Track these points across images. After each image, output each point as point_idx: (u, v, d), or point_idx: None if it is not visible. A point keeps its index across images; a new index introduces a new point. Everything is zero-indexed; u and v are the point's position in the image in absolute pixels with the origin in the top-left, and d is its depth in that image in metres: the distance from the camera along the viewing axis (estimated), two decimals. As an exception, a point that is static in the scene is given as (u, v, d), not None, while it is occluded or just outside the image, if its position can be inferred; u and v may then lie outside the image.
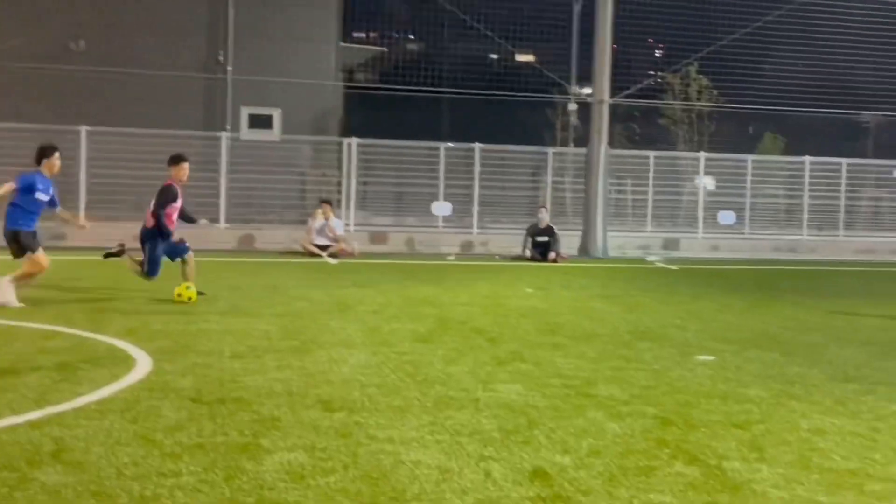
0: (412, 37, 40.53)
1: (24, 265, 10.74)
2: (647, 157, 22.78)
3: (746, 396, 7.05)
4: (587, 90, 22.31)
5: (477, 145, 21.38)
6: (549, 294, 13.32)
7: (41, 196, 10.74)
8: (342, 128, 25.82)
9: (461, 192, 21.42)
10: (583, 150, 21.49)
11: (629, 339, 9.54)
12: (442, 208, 21.10)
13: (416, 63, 36.41)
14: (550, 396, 6.82)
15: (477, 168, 21.25)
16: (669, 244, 21.82)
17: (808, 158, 23.54)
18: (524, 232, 19.06)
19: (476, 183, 21.29)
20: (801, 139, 30.33)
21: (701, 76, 31.38)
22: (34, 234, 10.81)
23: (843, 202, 23.69)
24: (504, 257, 19.09)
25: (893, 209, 24.64)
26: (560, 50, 29.87)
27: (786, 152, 30.57)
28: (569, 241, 19.96)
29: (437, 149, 21.46)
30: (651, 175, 22.42)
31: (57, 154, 10.99)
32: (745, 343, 9.52)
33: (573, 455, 5.40)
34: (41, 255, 10.76)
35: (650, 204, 22.34)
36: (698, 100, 30.57)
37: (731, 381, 7.62)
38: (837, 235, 23.54)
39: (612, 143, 23.46)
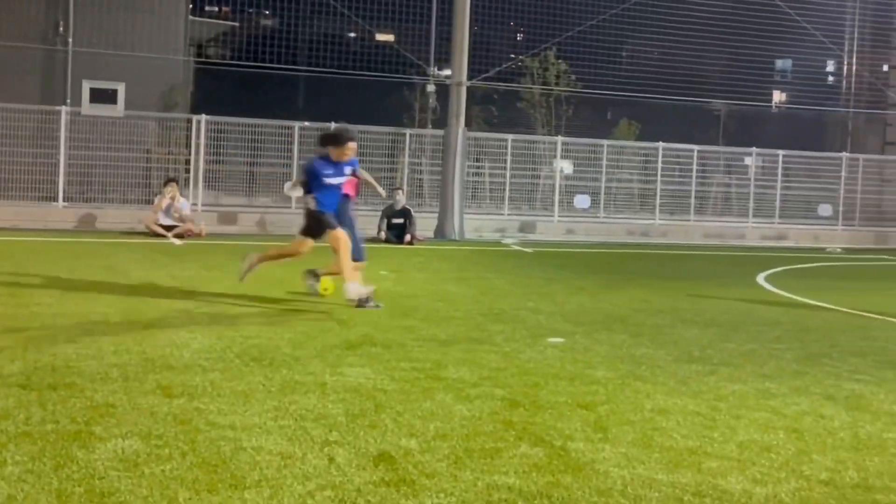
0: (268, 12, 39.80)
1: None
2: (506, 140, 23.07)
3: (594, 378, 7.24)
4: (447, 72, 22.39)
5: (332, 126, 21.16)
6: (403, 277, 13.34)
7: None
8: (191, 104, 25.12)
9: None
10: (441, 132, 21.60)
11: (482, 322, 9.65)
12: (294, 189, 20.74)
13: (272, 40, 35.71)
14: (399, 380, 6.83)
15: (331, 148, 21.02)
16: (526, 227, 22.20)
17: (661, 144, 24.32)
18: (380, 213, 19.02)
19: (330, 163, 21.07)
20: (655, 125, 31.32)
21: (560, 61, 31.96)
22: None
23: (693, 188, 24.61)
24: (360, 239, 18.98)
25: (741, 195, 25.75)
26: (420, 31, 29.93)
27: (640, 138, 31.54)
28: (425, 224, 20.06)
29: (292, 127, 21.15)
30: (509, 158, 22.72)
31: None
32: (596, 325, 9.78)
33: (419, 438, 5.43)
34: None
35: (507, 187, 22.65)
36: (556, 84, 31.14)
37: (580, 363, 7.82)
38: (688, 220, 24.46)
39: (470, 126, 23.68)
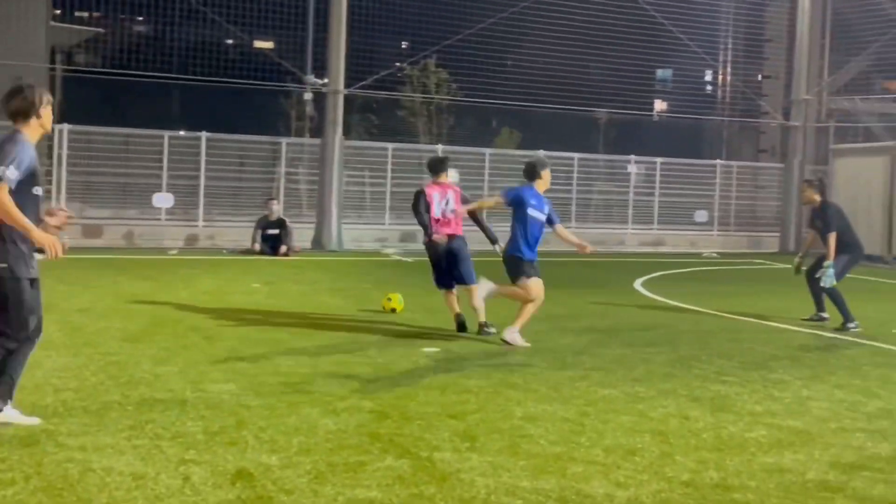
0: (140, 18, 38.92)
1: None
2: (386, 149, 23.03)
3: (466, 387, 7.26)
4: (325, 80, 22.22)
5: (204, 134, 20.80)
6: (276, 289, 13.16)
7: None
8: (57, 114, 24.30)
9: (187, 182, 20.75)
10: (318, 141, 21.44)
11: (356, 334, 9.60)
12: (164, 200, 20.34)
13: (144, 46, 35.00)
14: (265, 395, 6.72)
15: (203, 158, 20.67)
16: (407, 237, 22.17)
17: (541, 152, 24.66)
18: (254, 224, 18.74)
19: (202, 173, 20.70)
20: (537, 134, 31.80)
21: (440, 69, 32.17)
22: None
23: (574, 195, 25.01)
24: (232, 251, 18.69)
25: (621, 202, 26.30)
26: (300, 38, 29.71)
27: (522, 146, 31.93)
28: (303, 234, 19.87)
29: (161, 137, 20.67)
30: (389, 167, 22.68)
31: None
32: (472, 334, 9.82)
33: (281, 454, 5.34)
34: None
35: (388, 196, 22.60)
36: (437, 93, 31.32)
37: (454, 372, 7.84)
38: (569, 227, 24.76)
39: (349, 135, 23.60)
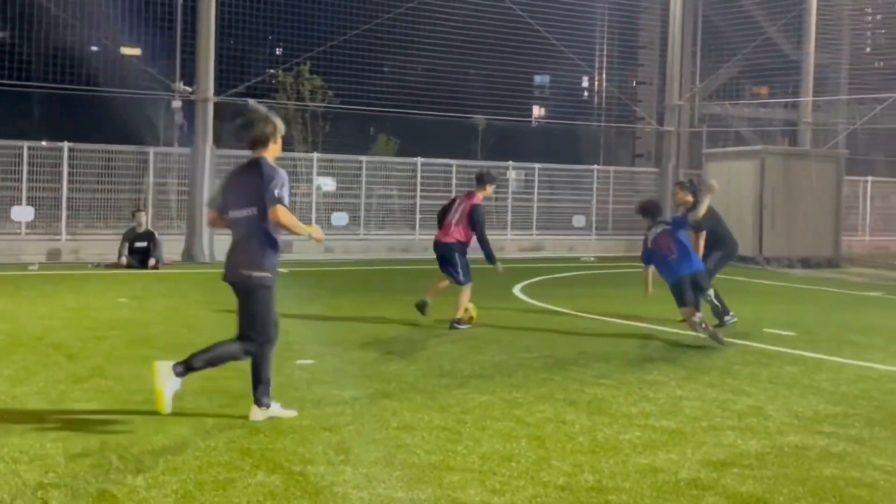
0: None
1: None
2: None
3: (341, 399, 7.23)
4: (195, 88, 21.76)
5: (66, 144, 20.17)
6: (144, 303, 12.85)
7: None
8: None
9: (49, 195, 20.06)
10: (188, 151, 21.03)
11: (227, 348, 9.41)
12: (23, 213, 19.63)
13: (1, 54, 33.64)
14: (130, 413, 6.56)
15: (65, 169, 20.04)
16: (283, 247, 21.95)
17: (419, 160, 24.77)
18: (120, 237, 18.25)
19: (64, 185, 20.06)
20: (415, 141, 31.91)
21: (314, 76, 31.96)
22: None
23: (449, 202, 25.15)
24: (98, 265, 18.15)
25: (500, 208, 26.56)
26: (166, 45, 29.08)
27: (400, 153, 31.99)
28: (173, 247, 19.44)
29: (20, 148, 19.94)
30: (263, 176, 22.38)
31: None
32: (349, 345, 9.78)
33: (147, 475, 5.22)
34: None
35: (262, 206, 22.30)
36: (312, 100, 31.11)
37: (328, 384, 7.79)
38: (447, 235, 24.97)
39: (221, 143, 23.18)
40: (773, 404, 7.39)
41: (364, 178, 24.13)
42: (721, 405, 7.33)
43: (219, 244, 20.37)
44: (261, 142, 6.46)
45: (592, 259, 24.05)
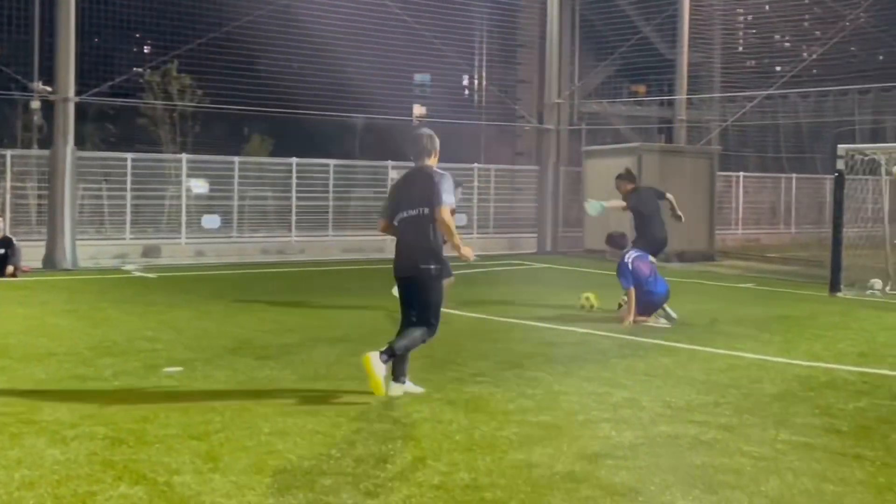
0: None
1: None
2: (125, 160, 22.17)
3: (210, 406, 7.10)
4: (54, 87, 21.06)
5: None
6: (0, 312, 12.38)
7: None
8: None
9: None
10: (48, 153, 20.36)
11: (90, 356, 9.17)
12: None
13: None
14: (-17, 428, 6.30)
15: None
16: (150, 251, 21.46)
17: (294, 160, 24.55)
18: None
19: None
20: (292, 140, 31.57)
21: (182, 75, 31.34)
22: None
23: (331, 203, 25.04)
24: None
25: (380, 208, 26.51)
26: (23, 42, 28.08)
27: (275, 153, 31.63)
28: (32, 253, 18.74)
29: None
30: (129, 178, 21.85)
31: None
32: (220, 350, 9.63)
33: (1, 490, 5.03)
34: None
35: (128, 209, 21.77)
36: (181, 99, 30.48)
37: (197, 391, 7.65)
38: (326, 235, 24.85)
39: (83, 145, 22.58)
40: (648, 395, 7.58)
41: (237, 180, 23.78)
42: (597, 398, 7.48)
43: (83, 250, 19.82)
44: (426, 153, 7.67)
45: (474, 257, 24.26)
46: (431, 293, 7.51)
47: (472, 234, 26.99)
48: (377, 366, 7.28)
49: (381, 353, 7.33)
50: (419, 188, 7.46)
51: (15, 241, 17.62)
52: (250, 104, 27.02)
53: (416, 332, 7.51)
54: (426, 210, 7.40)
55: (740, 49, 35.59)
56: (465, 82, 44.32)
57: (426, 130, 7.81)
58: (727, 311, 13.33)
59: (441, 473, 5.47)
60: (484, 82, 41.16)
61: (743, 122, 29.41)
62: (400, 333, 7.56)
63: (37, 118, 26.99)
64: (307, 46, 30.15)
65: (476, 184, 27.43)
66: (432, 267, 7.46)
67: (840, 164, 15.93)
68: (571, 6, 30.55)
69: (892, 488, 5.33)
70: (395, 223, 7.61)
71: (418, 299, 7.53)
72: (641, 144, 25.57)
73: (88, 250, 20.20)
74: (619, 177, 13.70)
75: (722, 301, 14.67)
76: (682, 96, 28.07)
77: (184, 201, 22.62)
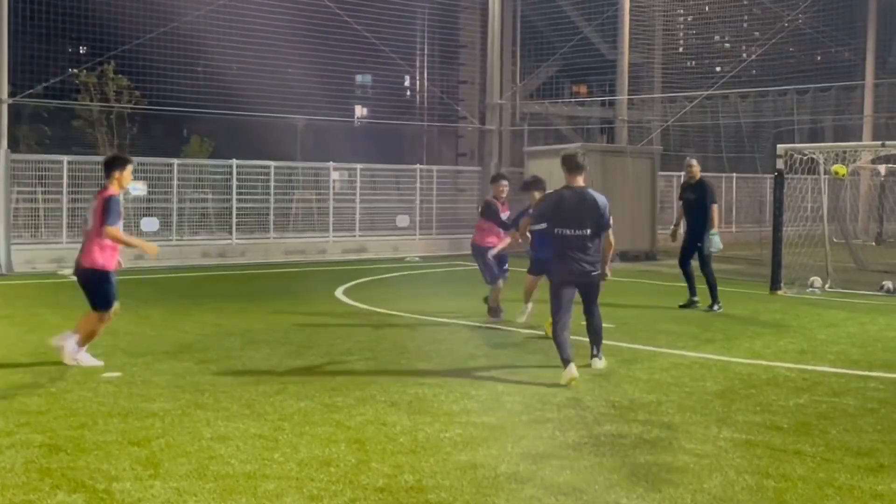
0: None
1: None
2: (61, 162, 21.81)
3: (150, 411, 7.03)
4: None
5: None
6: (-67, 320, 12.13)
7: None
8: None
9: None
10: (-19, 154, 19.96)
11: (26, 362, 9.03)
12: None
13: None
14: (-86, 438, 6.17)
15: None
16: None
17: (234, 161, 24.35)
18: None
19: None
20: (232, 141, 31.28)
21: (120, 76, 30.91)
22: None
23: (272, 205, 24.88)
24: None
25: (322, 210, 26.44)
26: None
27: (215, 155, 31.33)
28: (-35, 259, 18.43)
29: None
30: (65, 181, 21.50)
31: None
32: (159, 355, 9.51)
33: (-68, 501, 4.93)
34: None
35: (65, 213, 21.43)
36: (118, 101, 30.06)
37: (136, 397, 7.55)
38: (268, 238, 24.68)
39: (17, 147, 22.19)
40: (592, 395, 7.64)
41: (176, 182, 23.50)
42: (541, 398, 7.52)
43: (18, 254, 19.50)
44: (580, 170, 8.89)
45: (417, 259, 24.24)
46: (598, 290, 8.91)
47: (414, 235, 26.98)
48: (599, 364, 8.84)
49: (594, 353, 8.93)
50: (588, 213, 8.64)
51: (-53, 246, 17.29)
52: (189, 105, 26.77)
53: (599, 320, 8.98)
54: (591, 230, 8.60)
55: (680, 50, 36.05)
56: (407, 83, 44.32)
57: (579, 149, 8.68)
58: (669, 311, 13.48)
59: (385, 476, 5.47)
60: (426, 83, 41.19)
61: (684, 122, 29.77)
62: (591, 329, 8.96)
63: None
64: (248, 47, 29.96)
65: (418, 184, 27.40)
66: (602, 271, 8.83)
67: (780, 164, 16.18)
68: (513, 7, 30.71)
69: (831, 483, 5.43)
70: (555, 233, 8.64)
71: (588, 296, 8.83)
72: (583, 145, 25.74)
73: (24, 255, 19.85)
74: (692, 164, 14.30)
75: (664, 301, 14.82)
76: (623, 97, 28.34)
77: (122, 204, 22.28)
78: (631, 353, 9.81)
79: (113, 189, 9.14)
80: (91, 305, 8.98)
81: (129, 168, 9.28)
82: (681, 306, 13.71)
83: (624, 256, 23.51)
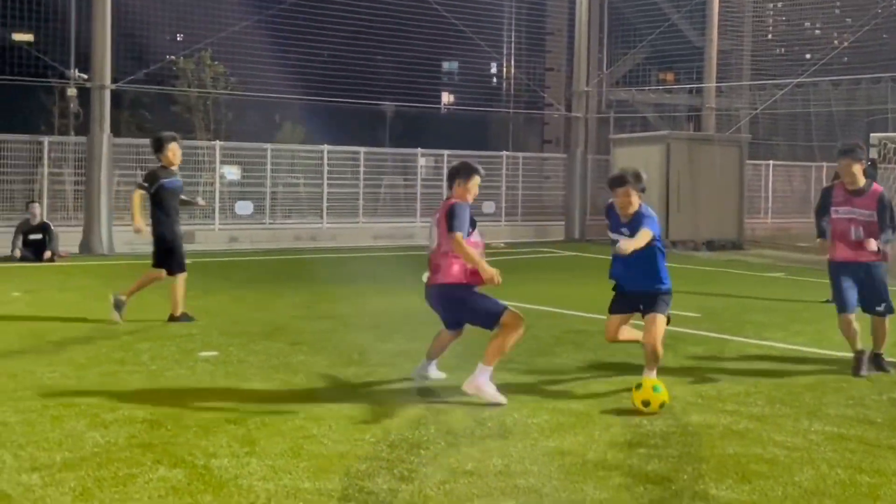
0: None
1: None
2: (159, 146, 22.27)
3: (246, 390, 7.16)
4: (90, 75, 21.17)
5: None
6: (39, 297, 12.51)
7: None
8: None
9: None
10: (84, 139, 20.51)
11: (128, 340, 9.25)
12: None
13: None
14: (25, 410, 6.38)
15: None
16: (185, 237, 21.49)
17: (326, 147, 24.59)
18: (14, 230, 17.70)
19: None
20: (323, 128, 31.64)
21: (216, 63, 31.47)
22: None
23: (361, 190, 25.08)
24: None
25: (410, 196, 26.58)
26: (61, 31, 28.27)
27: (307, 141, 31.70)
28: (70, 238, 18.93)
29: None
30: (163, 165, 21.95)
31: None
32: (254, 336, 9.67)
33: (43, 472, 5.10)
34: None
35: (163, 196, 21.87)
36: (214, 87, 30.63)
37: (233, 376, 7.69)
38: (357, 222, 24.91)
39: (119, 132, 22.71)
40: (679, 385, 7.54)
41: (269, 167, 23.84)
42: (629, 387, 7.44)
43: (119, 235, 19.96)
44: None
45: (503, 245, 24.21)
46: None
47: (500, 221, 26.94)
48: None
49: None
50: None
51: (52, 227, 17.81)
52: (282, 92, 27.12)
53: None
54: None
55: (770, 36, 35.25)
56: (494, 70, 44.22)
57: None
58: (757, 301, 13.23)
59: (474, 459, 5.47)
60: (512, 70, 40.98)
61: (773, 109, 29.14)
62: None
63: (73, 106, 27.17)
64: (338, 35, 30.21)
65: (504, 171, 27.33)
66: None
67: (873, 153, 15.76)
68: (601, -6, 30.34)
69: (925, 479, 5.28)
70: None
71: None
72: (670, 133, 25.41)
73: (124, 236, 20.33)
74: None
75: (751, 291, 14.56)
76: (711, 84, 27.87)
77: (217, 188, 22.72)
78: (718, 343, 9.66)
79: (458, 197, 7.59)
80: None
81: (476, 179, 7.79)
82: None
83: (710, 245, 23.16)
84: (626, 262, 7.45)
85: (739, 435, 6.09)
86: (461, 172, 7.59)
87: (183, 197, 11.23)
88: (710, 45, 27.90)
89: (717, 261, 19.98)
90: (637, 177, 7.71)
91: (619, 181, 7.68)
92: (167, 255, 10.78)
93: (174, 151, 10.87)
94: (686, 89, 34.09)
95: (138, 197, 10.83)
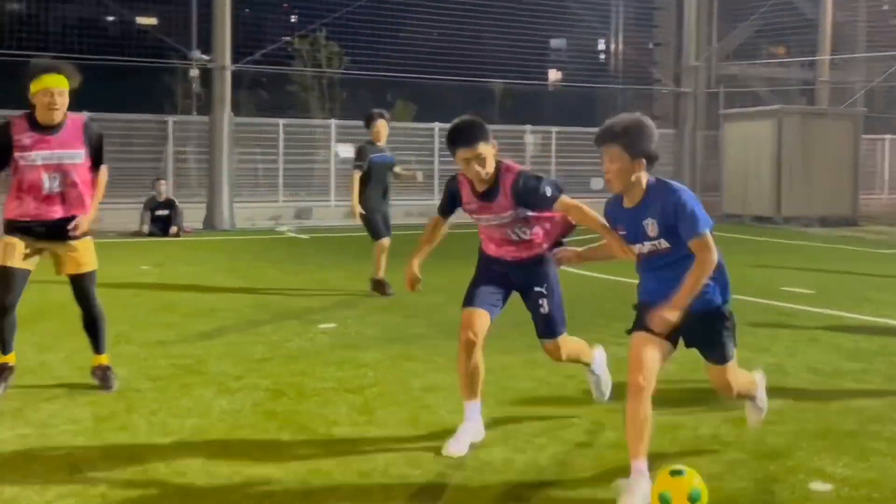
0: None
1: None
2: (277, 125, 22.74)
3: (363, 361, 7.27)
4: (212, 56, 21.71)
5: (85, 114, 20.18)
6: (167, 270, 12.93)
7: None
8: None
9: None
10: (206, 119, 21.04)
11: (249, 313, 9.50)
12: None
13: (20, 25, 33.72)
14: (156, 378, 6.62)
15: (86, 139, 20.03)
16: (302, 213, 21.98)
17: (437, 125, 24.70)
18: (142, 206, 18.31)
19: (86, 155, 20.08)
20: (433, 105, 31.79)
21: (331, 42, 31.83)
22: None
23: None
24: (121, 234, 18.22)
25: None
26: (182, 13, 29.02)
27: (418, 119, 31.88)
28: (194, 214, 19.50)
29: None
30: (281, 143, 22.41)
31: None
32: (370, 308, 9.82)
33: (174, 437, 5.29)
34: None
35: (281, 173, 22.35)
36: (328, 66, 31.01)
37: (351, 348, 7.82)
38: (468, 199, 24.95)
39: (238, 111, 23.20)
40: (793, 361, 7.38)
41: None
42: (742, 362, 7.22)
43: (240, 211, 20.46)
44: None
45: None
46: None
47: (607, 197, 26.66)
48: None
49: None
50: None
51: (177, 203, 18.36)
52: (393, 70, 27.28)
53: None
54: None
55: (886, 7, 33.96)
56: (601, 46, 43.65)
57: None
58: (873, 278, 12.82)
59: (587, 432, 5.47)
60: (620, 46, 40.40)
61: (890, 82, 28.08)
62: None
63: (195, 86, 27.89)
64: (447, 13, 30.21)
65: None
66: None
67: None
68: (711, -33, 29.61)
69: None
70: None
71: None
72: (782, 107, 24.71)
73: (245, 212, 20.86)
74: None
75: (867, 267, 14.11)
76: (825, 57, 27.00)
77: (332, 165, 23.05)
78: (834, 319, 9.40)
79: None
80: None
81: None
82: None
83: (824, 222, 22.52)
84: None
85: (857, 412, 5.93)
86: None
87: (397, 170, 11.35)
88: (825, 17, 27.01)
89: (831, 237, 19.42)
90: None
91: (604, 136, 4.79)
92: (372, 225, 11.14)
93: (378, 128, 10.94)
94: (799, 63, 33.11)
95: (357, 178, 10.88)
